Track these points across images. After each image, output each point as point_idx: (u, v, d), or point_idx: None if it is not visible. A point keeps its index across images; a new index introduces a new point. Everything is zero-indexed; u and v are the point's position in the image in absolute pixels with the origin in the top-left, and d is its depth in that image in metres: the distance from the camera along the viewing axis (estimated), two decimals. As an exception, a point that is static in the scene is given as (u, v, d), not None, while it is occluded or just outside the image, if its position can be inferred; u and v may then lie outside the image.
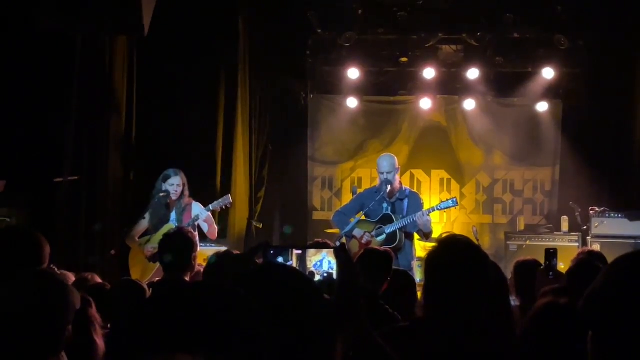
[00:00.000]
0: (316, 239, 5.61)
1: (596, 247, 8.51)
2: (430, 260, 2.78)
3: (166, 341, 1.41)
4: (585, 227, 9.37)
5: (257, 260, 2.04)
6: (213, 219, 7.35)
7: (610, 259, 5.42)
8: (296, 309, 1.76)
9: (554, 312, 2.44)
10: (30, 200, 7.24)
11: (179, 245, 4.71)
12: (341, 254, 2.23)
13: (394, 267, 5.57)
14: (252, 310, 1.45)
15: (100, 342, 3.30)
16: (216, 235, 7.39)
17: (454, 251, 2.74)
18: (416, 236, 7.43)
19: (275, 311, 1.63)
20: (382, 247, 5.88)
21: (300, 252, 2.40)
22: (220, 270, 3.83)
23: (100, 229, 7.36)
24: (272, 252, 2.26)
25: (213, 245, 8.09)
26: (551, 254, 4.06)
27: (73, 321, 2.96)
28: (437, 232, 10.04)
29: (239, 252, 4.62)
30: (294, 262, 2.38)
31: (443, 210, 7.98)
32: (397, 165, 7.41)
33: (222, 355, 1.09)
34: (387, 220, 7.27)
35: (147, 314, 1.47)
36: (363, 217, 7.32)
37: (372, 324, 2.65)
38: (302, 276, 1.90)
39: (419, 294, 5.36)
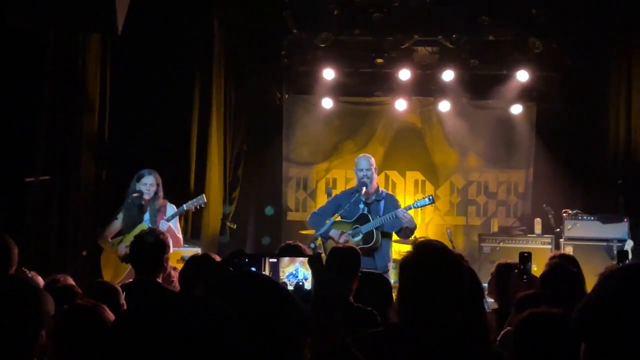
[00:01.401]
0: (287, 241, 5.55)
1: (569, 250, 8.57)
2: (405, 265, 2.78)
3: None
4: (558, 230, 9.44)
5: (230, 268, 2.02)
6: (176, 229, 7.22)
7: (582, 261, 5.49)
8: (269, 318, 1.74)
9: (539, 323, 2.44)
10: (1, 200, 7.14)
11: (150, 247, 4.67)
12: (316, 264, 2.21)
13: (368, 270, 5.57)
14: (236, 325, 1.42)
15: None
16: (181, 243, 7.30)
17: (428, 256, 2.73)
18: (394, 237, 7.43)
19: (247, 320, 1.61)
20: (349, 245, 5.86)
21: (274, 260, 2.37)
22: (196, 275, 3.79)
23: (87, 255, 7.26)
24: (246, 260, 2.23)
25: (186, 246, 8.03)
26: (525, 257, 4.07)
27: None
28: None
29: (216, 257, 4.57)
30: (266, 272, 2.35)
31: (419, 208, 7.99)
32: (374, 165, 7.43)
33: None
34: (363, 220, 7.27)
35: (137, 329, 1.44)
36: (339, 218, 7.30)
37: (349, 324, 2.63)
38: (275, 285, 1.88)
39: (394, 296, 5.37)
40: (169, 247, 4.81)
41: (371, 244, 7.10)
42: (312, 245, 7.15)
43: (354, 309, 4.44)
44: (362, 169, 7.31)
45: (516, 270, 4.14)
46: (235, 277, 1.76)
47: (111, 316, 3.19)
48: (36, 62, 7.29)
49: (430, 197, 7.46)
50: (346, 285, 4.67)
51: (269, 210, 4.21)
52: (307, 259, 2.25)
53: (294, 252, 4.82)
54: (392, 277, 7.32)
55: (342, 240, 7.18)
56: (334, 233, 7.28)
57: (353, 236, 7.24)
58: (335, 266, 4.67)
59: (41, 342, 2.53)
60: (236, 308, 1.48)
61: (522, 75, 10.41)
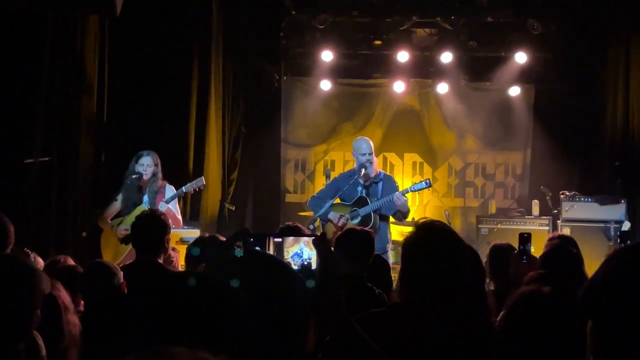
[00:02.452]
0: (287, 223, 5.57)
1: (566, 231, 8.59)
2: (408, 246, 2.79)
3: (160, 333, 1.40)
4: (555, 211, 9.47)
5: (235, 247, 2.03)
6: (176, 210, 7.24)
7: (580, 243, 5.51)
8: (276, 295, 1.75)
9: (539, 300, 2.46)
10: (0, 182, 7.15)
11: (151, 228, 4.68)
12: (321, 244, 2.22)
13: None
14: (243, 303, 1.44)
15: (76, 321, 3.28)
16: (180, 224, 7.32)
17: (431, 236, 2.74)
18: (391, 219, 7.46)
19: (255, 298, 1.63)
20: (365, 229, 5.87)
21: (279, 240, 2.38)
22: (202, 256, 3.81)
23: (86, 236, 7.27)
24: (251, 239, 2.24)
25: (185, 227, 8.05)
26: (525, 238, 4.08)
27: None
28: (409, 215, 10.10)
29: (223, 238, 4.59)
30: (271, 252, 2.36)
31: (416, 192, 8.02)
32: (373, 148, 7.46)
33: (211, 348, 1.09)
34: (361, 202, 7.29)
35: (144, 305, 1.45)
36: (338, 201, 7.33)
37: (361, 307, 2.65)
38: (282, 264, 1.90)
39: (394, 277, 5.40)
40: (169, 228, 4.82)
41: (369, 226, 7.13)
42: (312, 227, 7.20)
43: (367, 290, 4.47)
44: (365, 153, 7.31)
45: (516, 251, 4.15)
46: (242, 256, 1.78)
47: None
48: (34, 43, 7.26)
49: (427, 181, 7.48)
50: (363, 267, 4.71)
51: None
52: (311, 239, 2.27)
53: (295, 232, 4.84)
54: (391, 258, 7.37)
55: (340, 223, 7.21)
56: (332, 215, 7.30)
57: (351, 219, 7.27)
58: (349, 248, 4.70)
59: (36, 321, 2.55)
60: (244, 285, 1.50)
61: (521, 57, 10.40)
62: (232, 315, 1.42)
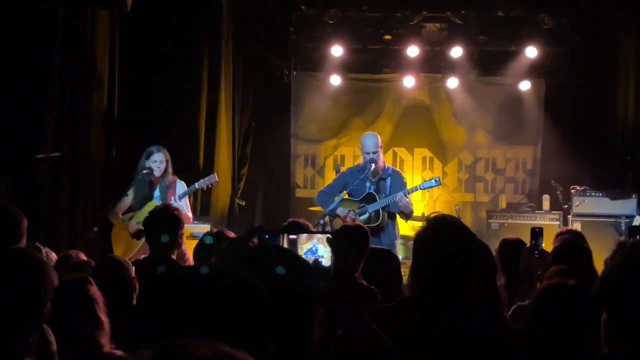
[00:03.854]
0: (295, 219, 5.56)
1: (577, 226, 8.58)
2: (419, 240, 2.78)
3: (177, 328, 1.41)
4: (566, 206, 9.44)
5: (250, 244, 2.04)
6: (187, 207, 7.24)
7: (591, 237, 5.51)
8: (293, 291, 1.76)
9: (566, 293, 2.46)
10: (12, 177, 7.18)
11: (165, 223, 4.70)
12: (336, 241, 2.23)
13: (377, 246, 5.59)
14: (261, 296, 1.45)
15: (105, 319, 3.30)
16: (190, 220, 7.31)
17: (442, 231, 2.73)
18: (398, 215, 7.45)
19: (271, 292, 1.63)
20: (358, 224, 5.84)
21: (294, 237, 2.39)
22: (213, 250, 3.82)
23: (93, 237, 7.28)
24: (266, 236, 2.25)
25: (196, 222, 8.08)
26: (537, 233, 4.09)
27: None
28: (419, 210, 10.10)
29: (231, 233, 4.60)
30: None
31: (426, 190, 8.00)
32: (380, 144, 7.40)
33: (230, 341, 1.09)
34: (370, 199, 7.27)
35: (172, 299, 1.46)
36: (346, 196, 7.31)
37: (349, 302, 2.65)
38: (299, 258, 1.90)
39: (404, 272, 5.40)
40: (183, 223, 4.83)
41: (377, 222, 7.11)
42: (321, 222, 7.18)
43: (356, 286, 4.46)
44: (369, 152, 7.24)
45: (527, 246, 4.16)
46: (259, 251, 1.79)
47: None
48: (46, 38, 7.29)
49: (437, 179, 7.44)
50: (354, 262, 4.70)
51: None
52: (326, 236, 2.27)
53: (299, 228, 4.85)
54: (400, 253, 7.37)
55: (348, 218, 7.19)
56: (341, 211, 7.28)
57: (360, 215, 7.25)
58: (343, 244, 4.68)
59: (46, 313, 2.56)
60: (261, 278, 1.51)
61: (531, 52, 10.37)
62: (250, 307, 1.43)
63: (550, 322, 2.46)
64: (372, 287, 4.48)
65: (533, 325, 2.53)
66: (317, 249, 2.40)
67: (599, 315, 1.68)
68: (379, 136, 7.48)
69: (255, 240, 2.25)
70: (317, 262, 2.28)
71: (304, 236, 2.40)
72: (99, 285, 4.08)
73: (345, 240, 4.68)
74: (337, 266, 2.16)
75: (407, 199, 7.08)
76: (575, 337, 2.39)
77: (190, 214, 7.29)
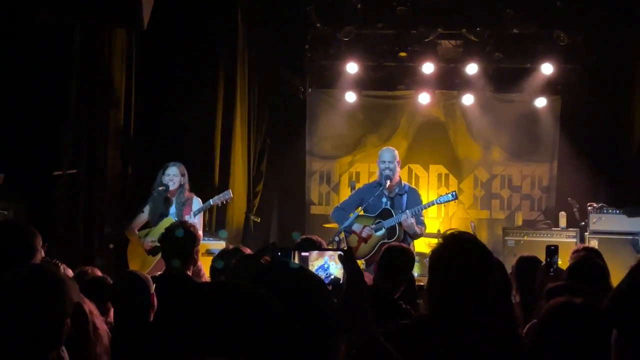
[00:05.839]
0: (309, 235, 5.56)
1: (594, 243, 8.52)
2: (435, 257, 2.77)
3: (201, 343, 1.41)
4: (583, 223, 9.38)
5: (262, 261, 2.04)
6: (199, 224, 7.24)
7: (608, 255, 5.46)
8: (307, 308, 1.76)
9: (570, 311, 2.44)
10: (29, 194, 7.23)
11: (180, 240, 4.71)
12: (348, 259, 2.22)
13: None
14: (275, 310, 1.45)
15: (104, 328, 3.29)
16: (200, 238, 7.29)
17: (458, 248, 2.72)
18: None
19: (286, 309, 1.63)
20: (399, 244, 5.84)
21: (306, 254, 2.38)
22: (227, 268, 3.83)
23: (109, 232, 7.31)
24: (278, 253, 2.25)
25: (211, 239, 8.09)
26: (552, 250, 4.06)
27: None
28: (435, 227, 10.08)
29: (247, 250, 4.61)
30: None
31: (442, 204, 7.99)
32: (398, 159, 7.42)
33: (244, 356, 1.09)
34: (386, 214, 7.25)
35: (175, 316, 1.46)
36: (362, 212, 7.30)
37: (386, 321, 2.64)
38: (313, 276, 1.90)
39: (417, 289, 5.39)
40: (199, 239, 4.84)
41: (394, 239, 7.09)
42: (337, 239, 7.17)
43: (395, 307, 4.46)
44: (385, 161, 7.29)
45: (543, 264, 4.13)
46: (272, 268, 1.79)
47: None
48: (63, 57, 7.35)
49: (454, 193, 7.43)
50: (395, 284, 4.72)
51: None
52: (337, 253, 2.27)
53: (312, 245, 4.86)
54: (416, 270, 7.32)
55: (364, 234, 7.18)
56: (356, 227, 7.26)
57: (376, 230, 7.23)
58: (387, 265, 4.73)
59: (66, 330, 2.56)
60: (277, 296, 1.51)
61: (547, 68, 10.35)
62: (266, 323, 1.43)
63: (556, 341, 2.44)
64: (409, 307, 4.49)
65: (539, 344, 2.51)
66: (328, 266, 2.39)
67: (608, 333, 1.66)
68: (396, 151, 7.50)
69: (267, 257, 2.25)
70: (332, 280, 2.27)
71: (315, 253, 2.39)
72: (119, 301, 4.08)
73: (388, 261, 4.72)
74: (351, 283, 2.15)
75: (411, 220, 7.04)
76: (583, 356, 2.37)
77: (200, 233, 7.29)
